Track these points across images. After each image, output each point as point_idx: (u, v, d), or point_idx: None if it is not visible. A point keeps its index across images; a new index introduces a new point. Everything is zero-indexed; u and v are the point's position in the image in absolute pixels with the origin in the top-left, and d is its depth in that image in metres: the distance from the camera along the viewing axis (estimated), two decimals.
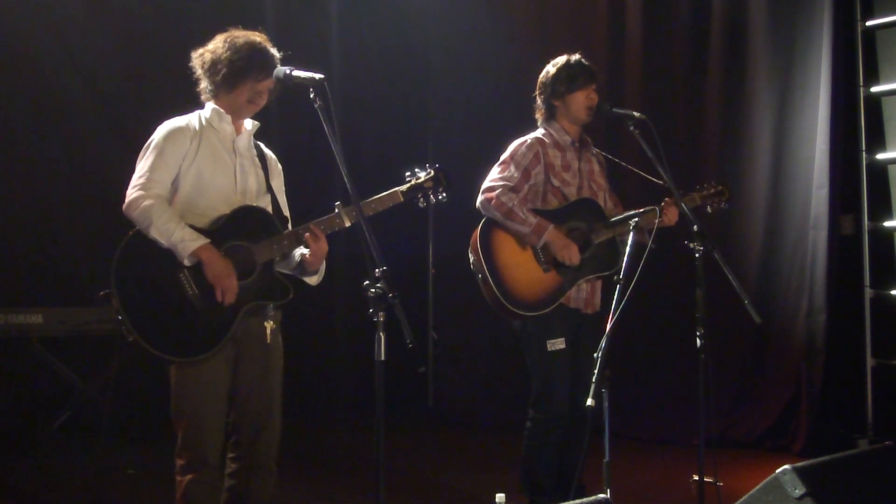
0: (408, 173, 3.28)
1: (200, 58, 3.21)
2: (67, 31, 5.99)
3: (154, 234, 2.99)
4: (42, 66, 5.93)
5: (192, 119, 3.21)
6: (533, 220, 3.76)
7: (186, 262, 3.00)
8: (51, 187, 6.03)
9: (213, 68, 3.16)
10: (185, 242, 2.97)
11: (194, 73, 3.24)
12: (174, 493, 3.16)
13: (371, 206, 3.15)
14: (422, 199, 3.27)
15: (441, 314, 7.39)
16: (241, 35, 3.18)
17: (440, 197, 3.27)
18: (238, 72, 3.12)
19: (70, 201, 6.09)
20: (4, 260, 5.79)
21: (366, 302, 2.62)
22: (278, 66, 3.04)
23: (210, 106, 3.22)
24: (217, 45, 3.17)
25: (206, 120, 3.20)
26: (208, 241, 3.01)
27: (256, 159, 3.28)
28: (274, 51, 3.17)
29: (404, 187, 3.26)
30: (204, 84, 3.22)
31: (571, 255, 3.77)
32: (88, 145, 6.12)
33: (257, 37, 3.19)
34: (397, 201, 3.23)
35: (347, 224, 3.13)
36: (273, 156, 3.39)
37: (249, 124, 3.29)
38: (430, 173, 3.27)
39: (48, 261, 5.97)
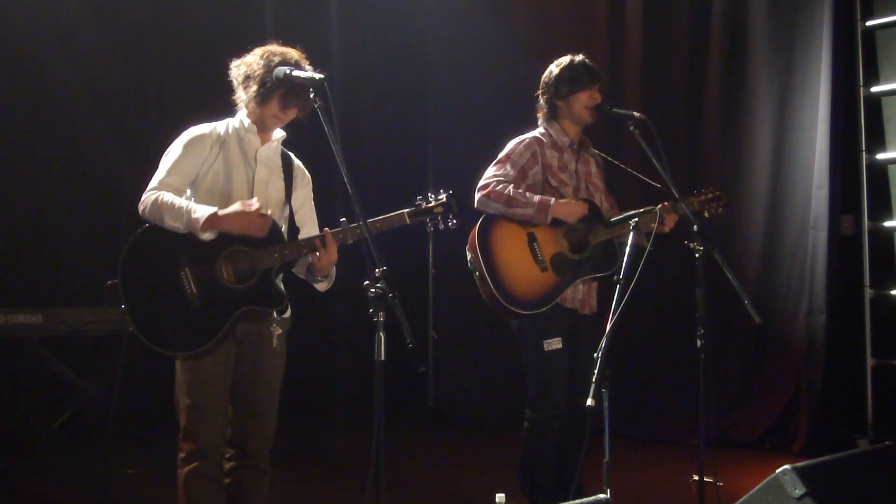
0: (419, 197, 3.26)
1: (237, 69, 3.25)
2: (67, 31, 6.00)
3: (169, 221, 3.04)
4: (42, 66, 5.94)
5: (218, 126, 3.26)
6: (535, 199, 3.77)
7: (207, 236, 3.04)
8: (51, 187, 6.05)
9: (245, 81, 3.20)
10: (195, 217, 3.01)
11: (230, 80, 3.28)
12: (174, 492, 3.19)
13: (376, 226, 3.15)
14: (430, 224, 3.26)
15: (441, 314, 7.39)
16: (279, 52, 3.18)
17: (450, 224, 3.25)
18: (269, 90, 3.14)
19: (70, 201, 6.10)
20: (4, 260, 5.80)
21: (366, 302, 2.63)
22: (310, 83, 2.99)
23: (240, 115, 3.27)
24: (254, 59, 3.20)
25: (234, 129, 3.25)
26: (215, 209, 3.04)
27: (281, 170, 3.31)
28: (309, 68, 3.15)
29: (412, 210, 3.24)
30: (238, 94, 3.26)
31: (582, 208, 3.82)
32: (88, 145, 6.13)
33: (294, 53, 3.19)
34: (403, 223, 3.22)
35: (350, 241, 3.15)
36: (301, 167, 3.41)
37: (278, 134, 3.32)
38: (441, 199, 3.25)
39: (48, 261, 5.98)
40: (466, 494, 4.89)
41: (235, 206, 3.06)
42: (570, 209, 3.80)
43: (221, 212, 3.05)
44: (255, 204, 3.06)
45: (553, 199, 3.78)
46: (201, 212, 3.02)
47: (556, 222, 3.82)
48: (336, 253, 3.16)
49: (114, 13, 6.19)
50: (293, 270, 3.33)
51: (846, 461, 3.20)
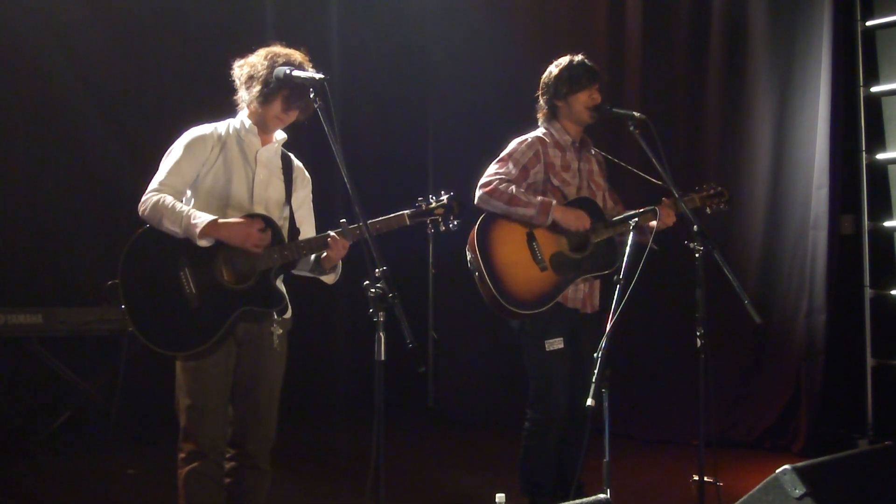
0: (420, 198, 3.26)
1: (240, 69, 3.24)
2: (67, 31, 6.00)
3: (167, 224, 3.05)
4: (42, 66, 5.95)
5: (219, 126, 3.26)
6: (536, 200, 3.76)
7: (203, 243, 3.05)
8: (51, 187, 6.05)
9: (249, 81, 3.19)
10: (194, 223, 3.02)
11: (232, 80, 3.27)
12: (175, 492, 3.19)
13: (376, 227, 3.15)
14: (430, 226, 3.26)
15: (441, 314, 7.38)
16: (282, 54, 3.17)
17: (451, 226, 3.26)
18: (272, 90, 3.13)
19: (70, 201, 6.11)
20: (4, 260, 5.80)
21: (366, 302, 2.63)
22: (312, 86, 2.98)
23: (241, 116, 3.27)
24: (257, 59, 3.19)
25: (235, 129, 3.25)
26: (215, 217, 3.05)
27: (281, 171, 3.31)
28: (312, 70, 3.15)
29: (413, 211, 3.24)
30: (240, 94, 3.26)
31: (584, 222, 3.79)
32: (88, 145, 6.13)
33: (298, 55, 3.19)
34: (403, 224, 3.22)
35: (350, 242, 3.15)
36: (301, 167, 3.41)
37: (279, 135, 3.32)
38: (442, 201, 3.25)
39: (48, 261, 5.98)
40: (466, 494, 4.89)
41: (238, 218, 3.07)
42: (569, 216, 3.78)
43: (222, 220, 3.05)
44: (260, 222, 3.07)
45: (554, 202, 3.77)
46: (201, 218, 3.02)
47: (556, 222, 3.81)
48: (346, 248, 3.16)
49: (114, 13, 6.20)
50: (293, 271, 3.33)
51: (846, 461, 3.20)
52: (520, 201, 3.76)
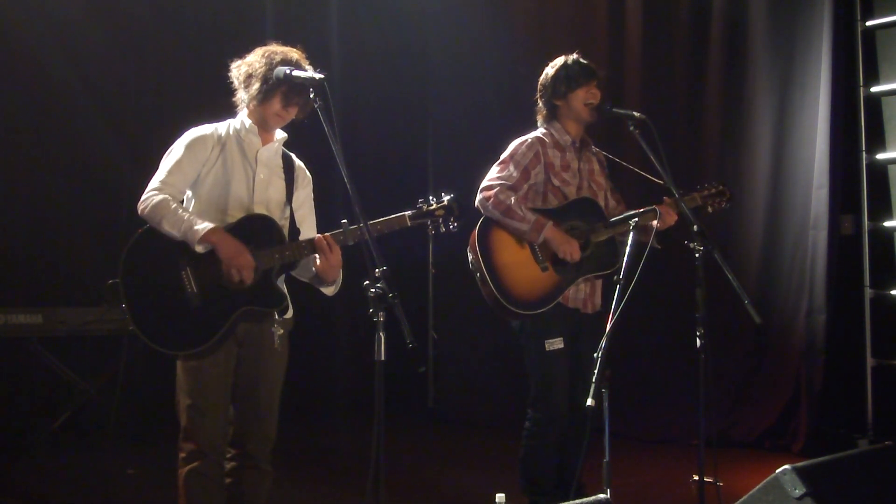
0: (420, 199, 3.27)
1: (238, 69, 3.25)
2: (67, 31, 6.00)
3: (166, 227, 3.05)
4: (42, 66, 5.94)
5: (219, 127, 3.26)
6: (532, 217, 3.77)
7: (200, 249, 3.05)
8: (51, 187, 6.04)
9: (247, 80, 3.20)
10: (195, 229, 3.02)
11: (231, 82, 3.28)
12: (175, 492, 3.19)
13: (377, 227, 3.15)
14: (431, 227, 3.26)
15: (441, 314, 7.38)
16: (280, 52, 3.18)
17: (451, 227, 3.26)
18: (271, 88, 3.14)
19: (70, 201, 6.10)
20: (4, 260, 5.80)
21: (366, 302, 2.63)
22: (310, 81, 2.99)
23: (241, 116, 3.27)
24: (255, 58, 3.20)
25: (235, 129, 3.25)
26: (215, 224, 3.06)
27: (281, 171, 3.31)
28: (309, 68, 3.16)
29: (414, 212, 3.25)
30: (239, 94, 3.26)
31: (572, 250, 3.76)
32: (88, 145, 6.13)
33: (294, 54, 3.19)
34: (404, 225, 3.23)
35: (351, 243, 3.15)
36: (302, 167, 3.41)
37: (280, 135, 3.32)
38: (442, 202, 3.26)
39: (48, 261, 5.98)
40: (466, 494, 4.89)
41: (239, 244, 3.06)
42: (560, 240, 3.75)
43: (222, 231, 3.05)
44: (249, 264, 3.06)
45: (549, 223, 3.77)
46: (201, 225, 3.02)
47: (559, 220, 3.81)
48: (339, 256, 3.16)
49: (114, 13, 6.19)
50: (294, 274, 3.32)
51: (846, 461, 3.20)
52: (515, 214, 3.76)
